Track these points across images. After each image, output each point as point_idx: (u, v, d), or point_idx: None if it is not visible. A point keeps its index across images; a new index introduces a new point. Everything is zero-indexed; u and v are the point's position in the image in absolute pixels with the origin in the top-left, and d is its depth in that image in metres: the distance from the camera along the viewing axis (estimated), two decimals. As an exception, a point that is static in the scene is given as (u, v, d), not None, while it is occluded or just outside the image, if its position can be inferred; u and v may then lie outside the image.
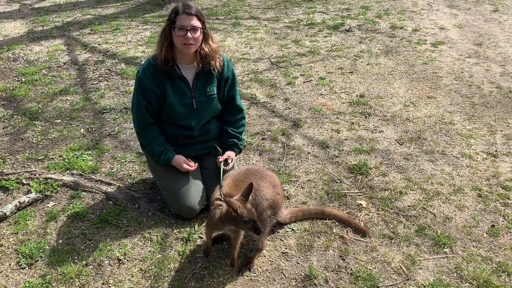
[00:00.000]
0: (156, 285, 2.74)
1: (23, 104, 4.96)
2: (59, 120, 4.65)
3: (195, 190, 3.24)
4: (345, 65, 6.19)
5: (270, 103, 5.09)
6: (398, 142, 4.36)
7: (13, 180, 3.56)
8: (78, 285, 2.73)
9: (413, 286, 2.76)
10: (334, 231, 3.20)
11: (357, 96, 5.29)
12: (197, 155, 3.38)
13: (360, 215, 3.37)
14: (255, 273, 2.86)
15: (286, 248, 3.05)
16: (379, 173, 3.86)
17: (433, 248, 3.06)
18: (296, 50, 6.78)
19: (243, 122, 3.45)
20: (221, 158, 3.22)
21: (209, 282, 2.77)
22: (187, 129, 3.25)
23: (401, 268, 2.89)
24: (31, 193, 3.44)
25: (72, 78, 5.67)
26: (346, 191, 3.62)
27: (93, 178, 3.65)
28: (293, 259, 2.97)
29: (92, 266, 2.87)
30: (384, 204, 3.47)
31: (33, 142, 4.25)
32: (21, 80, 5.58)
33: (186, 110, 3.19)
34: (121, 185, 3.61)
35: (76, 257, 2.92)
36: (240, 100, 3.44)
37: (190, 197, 3.19)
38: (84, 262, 2.87)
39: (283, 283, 2.79)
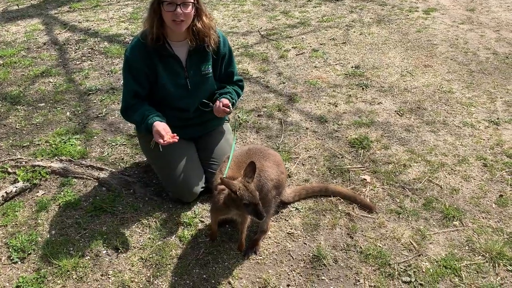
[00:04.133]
0: (158, 273, 2.61)
1: (3, 88, 4.69)
2: (43, 104, 4.40)
3: (193, 172, 3.08)
4: (337, 36, 6.00)
5: (264, 78, 4.90)
6: (397, 113, 4.23)
7: (-2, 169, 3.35)
8: (76, 278, 2.58)
9: (425, 262, 2.68)
10: (340, 208, 3.08)
11: (352, 67, 5.12)
12: (193, 137, 3.21)
13: (365, 190, 3.25)
14: (261, 256, 2.74)
15: (291, 228, 2.93)
16: (381, 146, 3.73)
17: (443, 222, 2.97)
18: (286, 21, 6.54)
19: (241, 84, 3.25)
20: (220, 104, 2.89)
21: (214, 268, 2.65)
22: (181, 111, 3.06)
23: (412, 244, 2.80)
24: (18, 182, 3.24)
25: (53, 59, 5.38)
26: (349, 166, 3.50)
27: (83, 164, 3.45)
28: (299, 240, 2.85)
29: (89, 257, 2.71)
30: (389, 178, 3.36)
31: (16, 128, 4.02)
32: (-1, 63, 5.28)
33: (180, 91, 2.99)
34: (113, 169, 3.43)
35: (71, 248, 2.76)
36: (238, 75, 3.25)
37: (188, 180, 3.03)
38: (80, 253, 2.71)
39: (291, 265, 2.68)
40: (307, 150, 3.70)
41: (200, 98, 3.07)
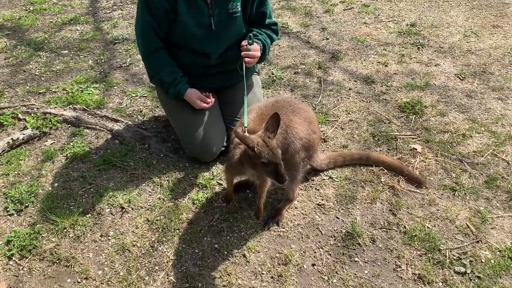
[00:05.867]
0: (164, 238, 2.27)
1: (28, 34, 4.44)
2: (66, 51, 4.12)
3: (213, 129, 2.68)
4: (392, -8, 5.32)
5: (305, 33, 4.39)
6: (458, 77, 3.63)
7: (8, 115, 3.10)
8: (72, 237, 2.28)
9: (485, 250, 2.18)
10: (382, 180, 2.61)
11: (407, 25, 4.50)
12: (215, 89, 2.80)
13: (414, 161, 2.75)
14: (284, 227, 2.34)
15: (322, 199, 2.50)
16: (436, 113, 3.19)
17: (509, 203, 2.44)
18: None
19: (275, 28, 2.78)
20: (244, 42, 2.55)
21: (228, 237, 2.28)
22: (202, 56, 2.64)
23: (469, 227, 2.30)
24: (27, 129, 2.97)
25: (83, 7, 5.09)
26: (397, 133, 2.99)
27: (97, 114, 3.14)
28: (331, 213, 2.42)
29: (90, 215, 2.41)
30: (444, 149, 2.84)
31: (35, 74, 3.76)
32: (29, 9, 5.04)
33: (202, 31, 2.56)
34: (129, 122, 3.10)
35: (72, 204, 2.47)
36: (272, 18, 2.78)
37: (208, 137, 2.65)
38: (81, 210, 2.42)
39: (319, 241, 2.26)
40: (348, 113, 3.21)
41: (225, 41, 2.63)
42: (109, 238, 2.29)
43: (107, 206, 2.46)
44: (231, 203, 2.46)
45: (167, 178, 2.64)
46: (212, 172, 2.68)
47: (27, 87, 3.55)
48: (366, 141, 2.94)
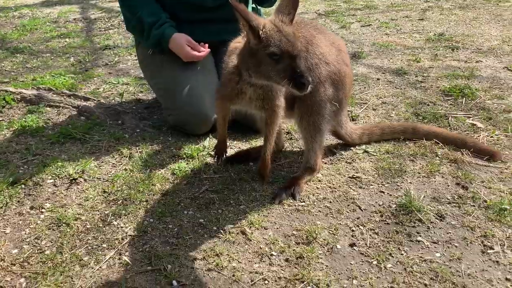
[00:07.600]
0: (123, 211, 1.51)
1: (11, 45, 3.98)
2: (48, 54, 3.61)
3: (207, 89, 2.02)
4: (412, 15, 4.90)
5: (319, 41, 3.87)
6: (508, 69, 3.00)
7: (-46, 94, 2.48)
8: (-12, 209, 1.54)
9: None
10: (439, 153, 1.88)
11: (434, 34, 3.98)
12: (211, 42, 2.16)
13: (478, 136, 2.03)
14: (303, 201, 1.57)
15: (357, 172, 1.76)
16: (493, 96, 2.52)
17: None
18: (349, 6, 5.58)
19: None
20: None
21: (219, 211, 1.51)
22: (196, -7, 2.06)
23: None
24: (-30, 106, 2.34)
25: (78, 28, 4.70)
26: (446, 112, 2.30)
27: (64, 93, 2.51)
28: (372, 187, 1.67)
29: (23, 186, 1.67)
30: (514, 125, 2.13)
31: (5, 70, 3.20)
32: (19, 29, 4.64)
33: None
34: (103, 101, 2.45)
35: (1, 175, 1.74)
36: None
37: (199, 97, 1.99)
38: (11, 179, 1.68)
39: (358, 218, 1.49)
40: (380, 98, 2.55)
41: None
42: (43, 211, 1.53)
43: (50, 177, 1.73)
44: (227, 174, 1.73)
45: (140, 150, 1.92)
46: (203, 144, 1.97)
47: (-9, 79, 2.98)
48: (408, 119, 2.24)
